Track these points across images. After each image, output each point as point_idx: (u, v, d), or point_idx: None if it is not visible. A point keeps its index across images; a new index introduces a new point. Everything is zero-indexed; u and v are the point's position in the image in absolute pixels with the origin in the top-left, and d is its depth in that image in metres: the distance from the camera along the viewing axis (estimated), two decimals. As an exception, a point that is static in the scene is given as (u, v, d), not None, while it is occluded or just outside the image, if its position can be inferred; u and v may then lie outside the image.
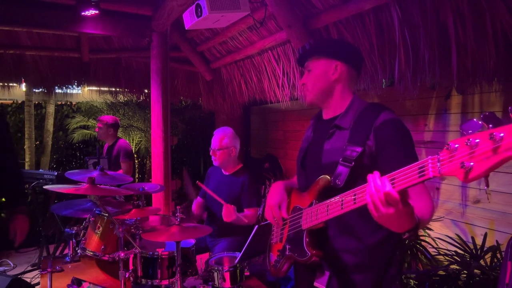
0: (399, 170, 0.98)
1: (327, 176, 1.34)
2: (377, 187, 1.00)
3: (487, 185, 0.81)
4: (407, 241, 2.79)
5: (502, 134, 0.75)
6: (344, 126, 1.40)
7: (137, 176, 6.28)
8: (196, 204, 2.96)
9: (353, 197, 1.13)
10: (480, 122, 0.81)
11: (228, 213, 2.51)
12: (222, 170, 2.89)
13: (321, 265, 1.43)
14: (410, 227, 1.07)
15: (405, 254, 2.88)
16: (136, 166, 6.15)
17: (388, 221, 1.04)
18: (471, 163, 0.79)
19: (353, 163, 1.28)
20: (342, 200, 1.18)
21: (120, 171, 4.15)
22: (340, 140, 1.39)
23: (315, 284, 1.42)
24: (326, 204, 1.27)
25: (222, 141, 2.76)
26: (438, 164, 0.87)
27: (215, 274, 2.01)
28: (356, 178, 1.18)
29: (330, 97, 1.49)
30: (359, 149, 1.29)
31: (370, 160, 1.31)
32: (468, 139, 0.80)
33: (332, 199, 1.24)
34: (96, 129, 4.45)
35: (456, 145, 0.83)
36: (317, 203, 1.34)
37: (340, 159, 1.31)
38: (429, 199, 1.23)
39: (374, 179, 1.01)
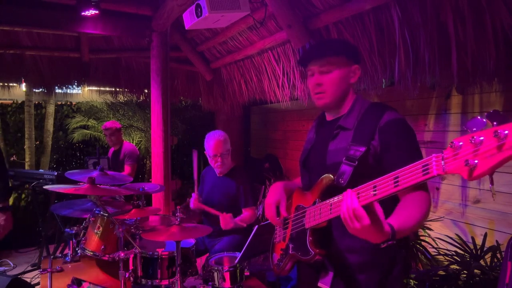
0: (403, 168, 0.98)
1: (330, 175, 1.34)
2: (347, 204, 1.06)
3: (492, 183, 0.80)
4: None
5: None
6: (348, 126, 1.40)
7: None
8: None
9: (356, 195, 1.13)
10: (484, 120, 0.80)
11: (225, 222, 2.56)
12: (216, 172, 2.84)
13: (324, 265, 1.42)
14: (383, 240, 1.09)
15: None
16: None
17: (358, 234, 1.08)
18: (476, 161, 0.79)
19: (356, 162, 1.28)
20: None
21: (123, 173, 4.15)
22: (344, 140, 1.39)
23: (319, 284, 1.41)
24: (329, 203, 1.26)
25: (227, 145, 2.73)
26: (443, 162, 0.87)
27: (215, 274, 2.00)
28: (361, 177, 1.18)
29: (344, 101, 1.47)
30: (362, 149, 1.29)
31: (374, 159, 1.31)
32: (473, 137, 0.80)
33: (335, 198, 1.23)
34: (108, 139, 4.41)
35: (460, 143, 0.83)
36: (320, 202, 1.34)
37: (344, 159, 1.31)
38: (421, 207, 1.21)
39: (347, 197, 1.07)
